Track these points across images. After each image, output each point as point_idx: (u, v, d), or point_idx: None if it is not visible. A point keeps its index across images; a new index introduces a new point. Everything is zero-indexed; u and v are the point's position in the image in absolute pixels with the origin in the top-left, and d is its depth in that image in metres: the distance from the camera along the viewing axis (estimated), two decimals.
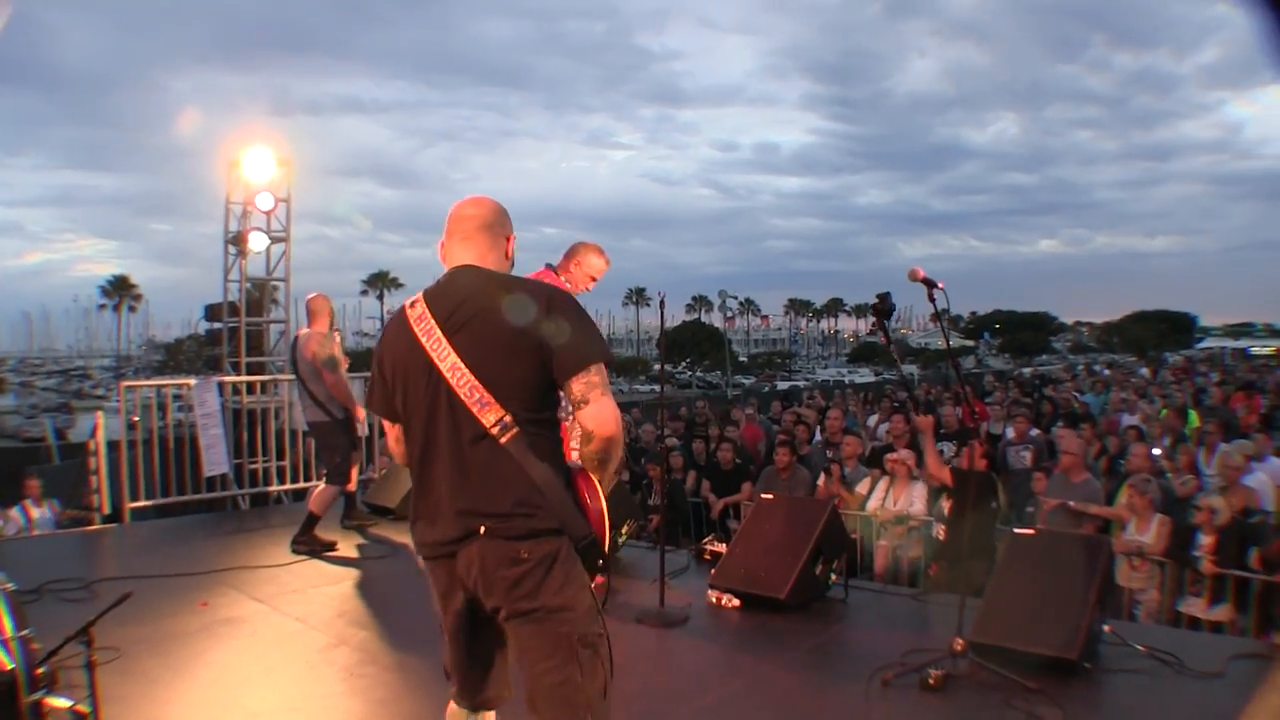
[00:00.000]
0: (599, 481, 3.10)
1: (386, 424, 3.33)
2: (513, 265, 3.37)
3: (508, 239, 3.33)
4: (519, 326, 2.95)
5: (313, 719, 4.87)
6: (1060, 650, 5.06)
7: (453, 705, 3.30)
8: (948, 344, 6.32)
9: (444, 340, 2.99)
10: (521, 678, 3.06)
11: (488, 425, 2.93)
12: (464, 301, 3.03)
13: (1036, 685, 4.85)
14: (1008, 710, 4.71)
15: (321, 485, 8.70)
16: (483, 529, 2.94)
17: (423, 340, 3.02)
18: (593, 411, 2.98)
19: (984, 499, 7.70)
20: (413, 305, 3.13)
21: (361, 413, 8.85)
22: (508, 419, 2.93)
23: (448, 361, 2.97)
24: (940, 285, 5.15)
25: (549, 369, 2.99)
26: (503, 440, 2.92)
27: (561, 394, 3.10)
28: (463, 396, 2.95)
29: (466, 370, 2.95)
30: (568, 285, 5.40)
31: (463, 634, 3.15)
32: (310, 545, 8.42)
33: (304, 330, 8.81)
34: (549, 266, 6.00)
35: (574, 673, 2.97)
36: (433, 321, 3.02)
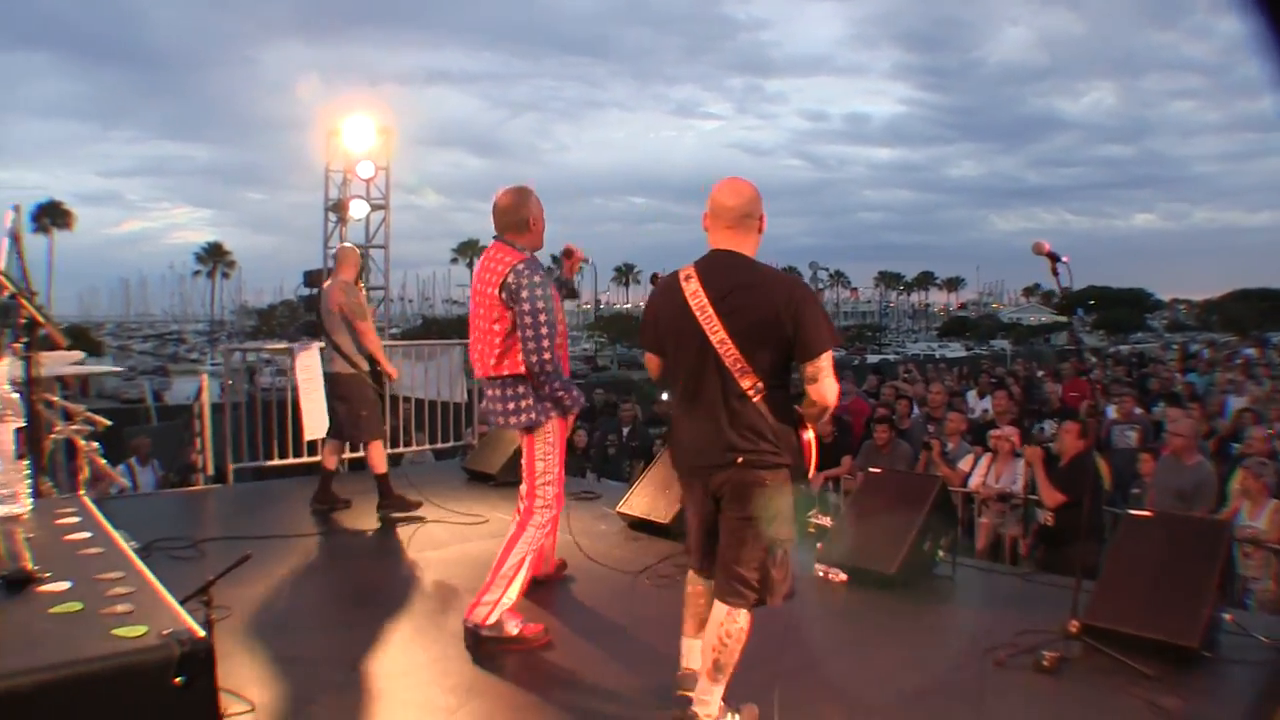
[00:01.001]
0: (811, 426, 4.10)
1: (650, 355, 4.32)
2: (761, 237, 4.13)
3: (760, 218, 4.11)
4: (772, 318, 3.84)
5: (424, 682, 4.87)
6: (1179, 637, 4.92)
7: (691, 573, 4.47)
8: (1074, 331, 6.24)
9: (716, 318, 3.88)
10: (731, 559, 4.09)
11: (745, 388, 3.89)
12: (734, 289, 3.90)
13: (1154, 671, 4.73)
14: (1125, 696, 4.60)
15: (371, 448, 8.51)
16: (740, 460, 3.93)
17: (695, 312, 3.92)
18: (818, 387, 3.94)
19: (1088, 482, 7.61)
20: (687, 279, 3.99)
21: (392, 369, 8.66)
22: (759, 384, 3.89)
23: (718, 335, 3.87)
24: (1065, 259, 5.07)
25: (791, 351, 3.90)
26: (754, 399, 3.90)
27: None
28: (728, 364, 3.88)
29: (733, 346, 3.86)
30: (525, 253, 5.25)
31: (705, 527, 4.24)
32: (397, 507, 8.37)
33: (328, 281, 8.65)
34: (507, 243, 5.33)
35: (769, 563, 4.08)
36: (705, 299, 3.90)
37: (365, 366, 8.37)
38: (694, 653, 4.39)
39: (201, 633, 2.11)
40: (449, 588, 6.44)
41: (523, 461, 5.50)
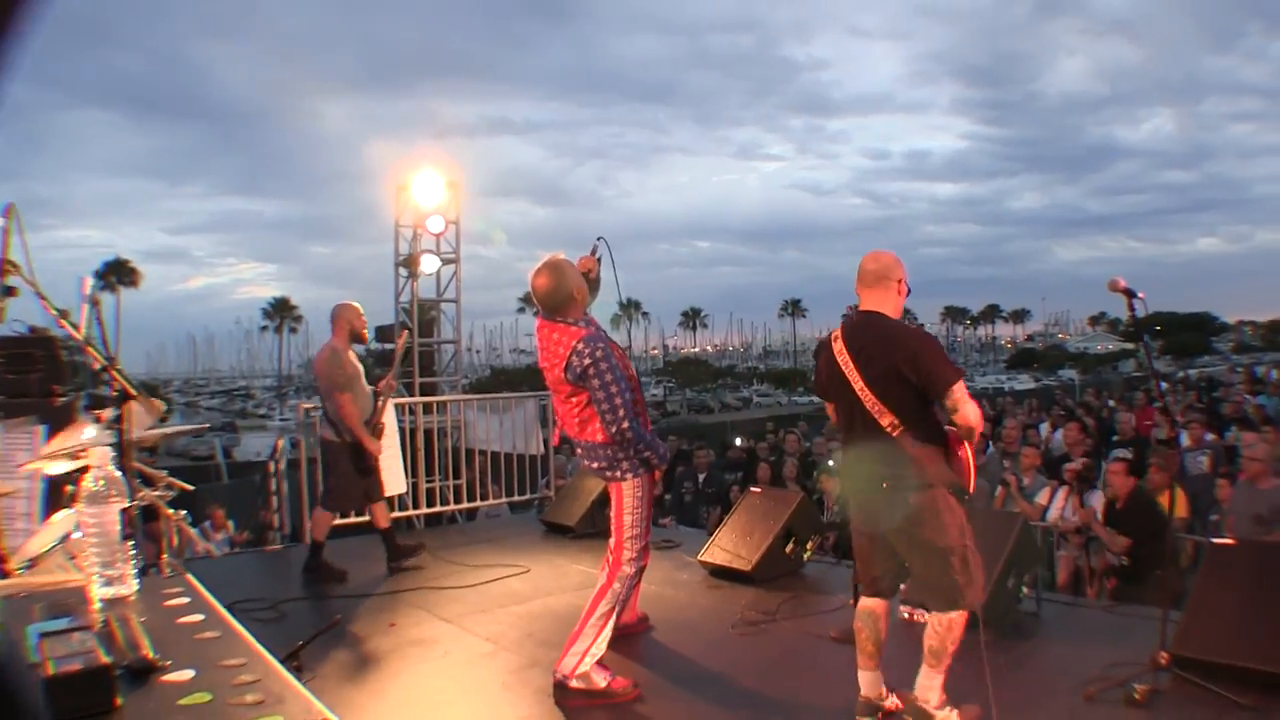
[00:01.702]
0: (969, 443, 4.68)
1: (826, 401, 5.06)
2: (904, 297, 4.85)
3: (899, 281, 4.79)
4: (897, 367, 4.50)
5: None
6: (1274, 664, 4.87)
7: (862, 600, 4.99)
8: (1150, 355, 6.29)
9: (855, 370, 4.61)
10: (916, 574, 4.86)
11: (885, 425, 4.55)
12: (866, 345, 4.64)
13: (1249, 701, 4.69)
14: None
15: (317, 515, 8.40)
16: (885, 484, 4.61)
17: (842, 366, 4.67)
18: (960, 416, 4.50)
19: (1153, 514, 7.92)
20: (835, 339, 4.78)
21: (372, 445, 8.09)
22: (896, 421, 4.54)
23: (858, 385, 4.59)
24: (1141, 295, 5.15)
25: (922, 390, 4.53)
26: (894, 434, 4.55)
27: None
28: (868, 407, 4.58)
29: (870, 392, 4.56)
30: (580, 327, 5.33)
31: (874, 546, 4.87)
32: (319, 573, 8.13)
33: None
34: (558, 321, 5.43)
35: (947, 571, 4.59)
36: (847, 356, 4.66)
37: (347, 437, 8.04)
38: (868, 684, 4.95)
39: None
40: (533, 642, 6.45)
41: (611, 515, 5.64)
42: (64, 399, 6.97)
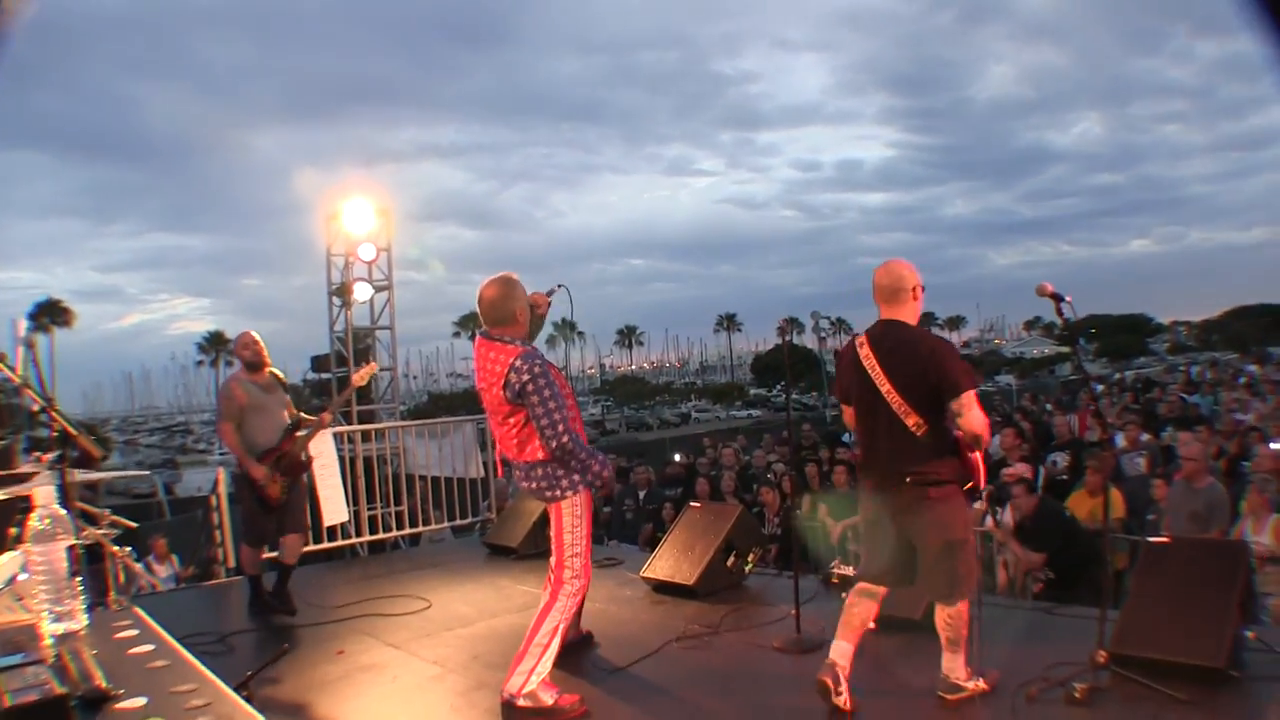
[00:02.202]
0: (972, 447, 5.02)
1: (844, 405, 5.43)
2: (920, 302, 5.24)
3: (914, 289, 5.17)
4: (920, 370, 4.87)
5: None
6: (1206, 658, 4.97)
7: (859, 585, 5.35)
8: (1077, 357, 6.40)
9: (882, 374, 4.95)
10: (924, 567, 5.10)
11: (910, 425, 4.89)
12: (892, 350, 4.99)
13: (1186, 695, 4.77)
14: None
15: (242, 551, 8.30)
16: (908, 479, 4.92)
17: (868, 370, 5.00)
18: (966, 420, 4.84)
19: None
20: (860, 344, 5.11)
21: (256, 470, 7.70)
22: (920, 421, 4.88)
23: (885, 387, 4.93)
24: (1068, 298, 5.21)
25: (940, 394, 4.86)
26: (918, 434, 4.89)
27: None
28: (895, 408, 4.91)
29: (896, 394, 4.90)
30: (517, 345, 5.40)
31: (886, 543, 5.18)
32: (262, 606, 8.03)
33: None
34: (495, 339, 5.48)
35: (955, 563, 5.00)
36: (874, 360, 4.99)
37: (252, 468, 7.71)
38: (840, 652, 5.24)
39: None
40: (480, 664, 6.46)
41: (550, 534, 5.65)
42: (2, 442, 6.94)
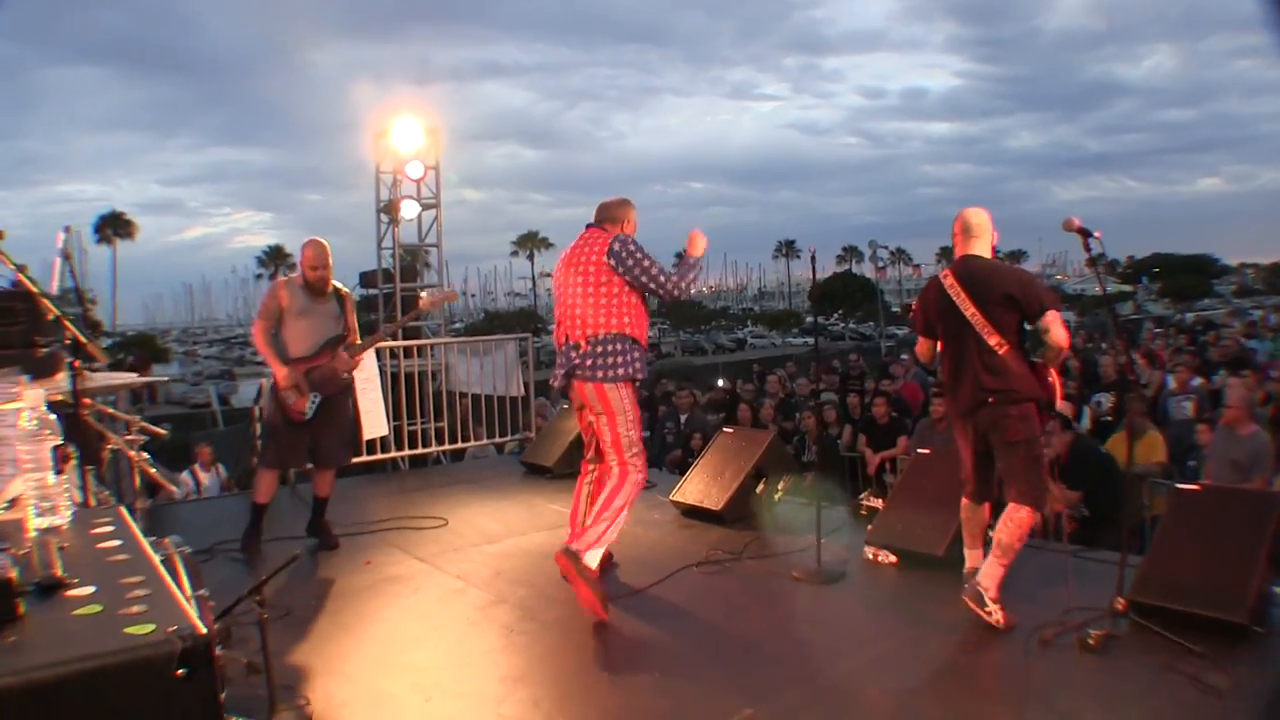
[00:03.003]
0: (1053, 368, 5.38)
1: (922, 338, 5.82)
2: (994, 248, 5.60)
3: (991, 233, 5.55)
4: (1003, 293, 5.21)
5: (474, 674, 4.96)
6: (1228, 612, 4.88)
7: (966, 500, 5.77)
8: (1104, 292, 6.29)
9: (967, 299, 5.29)
10: (1007, 476, 5.43)
11: (993, 345, 5.24)
12: (975, 276, 5.34)
13: (1202, 648, 4.69)
14: (1170, 674, 4.57)
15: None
16: (991, 400, 5.27)
17: (954, 297, 5.35)
18: (1051, 336, 5.16)
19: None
20: (945, 276, 5.48)
21: (280, 372, 7.09)
22: (1003, 341, 5.22)
23: (969, 310, 5.28)
24: (1097, 234, 5.17)
25: (1022, 315, 5.24)
26: (1000, 352, 5.23)
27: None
28: (979, 329, 5.25)
29: (980, 315, 5.24)
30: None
31: (976, 460, 5.60)
32: (253, 533, 7.43)
33: None
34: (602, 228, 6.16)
35: (1035, 470, 5.36)
36: (960, 288, 5.34)
37: (276, 367, 7.17)
38: (973, 558, 5.76)
39: (203, 629, 2.35)
40: (502, 580, 6.53)
41: (604, 443, 6.01)
42: (46, 350, 7.04)
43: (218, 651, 3.40)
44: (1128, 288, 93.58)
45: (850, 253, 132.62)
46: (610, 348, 5.82)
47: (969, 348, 5.36)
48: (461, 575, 6.66)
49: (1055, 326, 5.17)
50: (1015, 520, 5.29)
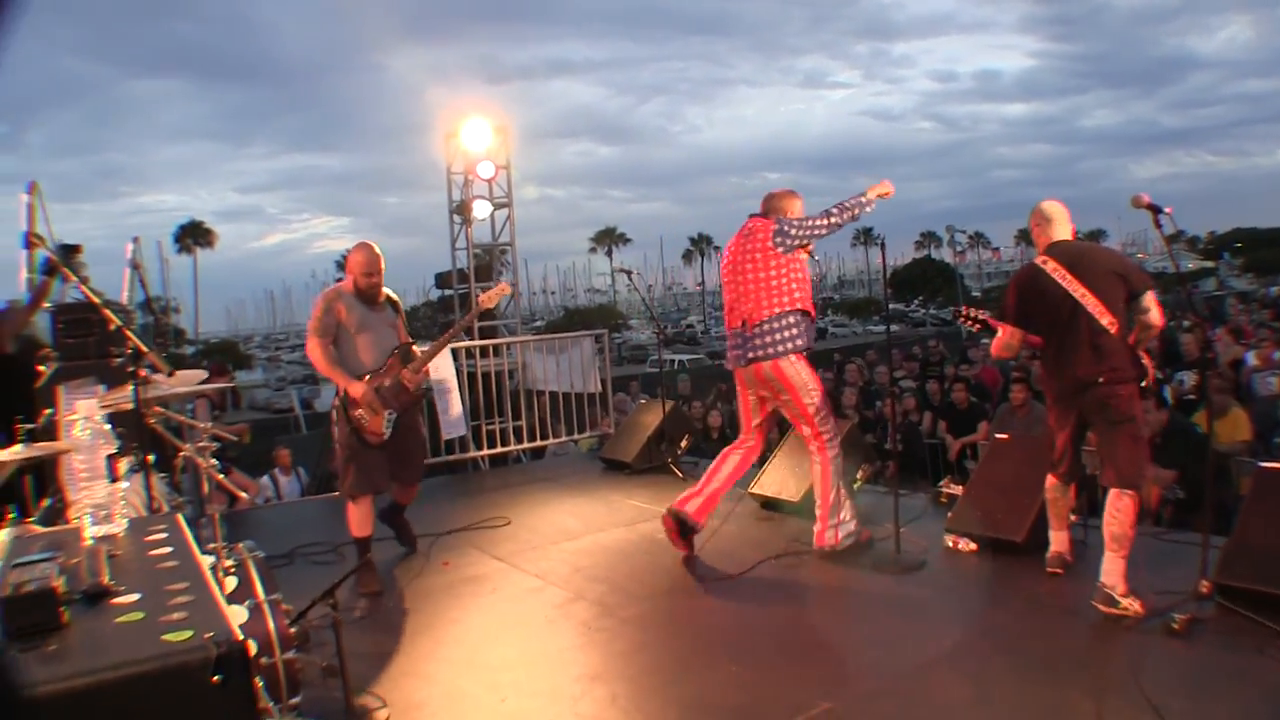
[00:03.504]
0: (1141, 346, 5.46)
1: (1009, 327, 5.68)
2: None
3: (1069, 223, 5.62)
4: (1108, 271, 5.34)
5: (551, 672, 4.98)
6: None
7: (1053, 480, 5.85)
8: (1177, 269, 6.22)
9: (1075, 281, 5.31)
10: (1109, 456, 5.38)
11: (1106, 324, 5.24)
12: (1079, 259, 5.40)
13: None
14: (1259, 657, 4.48)
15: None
16: (1102, 379, 5.28)
17: (1060, 281, 5.36)
18: (1151, 314, 5.31)
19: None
20: (1044, 262, 5.48)
21: (356, 389, 6.58)
22: (1113, 321, 5.25)
23: (1078, 291, 5.29)
24: (1168, 210, 5.11)
25: (1127, 293, 5.29)
26: (1112, 332, 5.23)
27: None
28: (1090, 309, 5.26)
29: (1093, 296, 5.26)
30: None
31: (1073, 443, 5.67)
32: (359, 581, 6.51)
33: None
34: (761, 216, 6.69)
35: (1138, 450, 5.40)
36: (1065, 271, 5.36)
37: (351, 385, 6.65)
38: (1059, 541, 5.95)
39: (240, 635, 2.39)
40: (581, 577, 6.55)
41: (796, 421, 6.67)
42: (120, 360, 7.19)
43: (293, 655, 3.47)
44: (1209, 264, 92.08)
45: (928, 238, 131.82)
46: (779, 323, 6.35)
47: (1078, 329, 5.32)
48: (540, 574, 6.69)
49: (1154, 306, 5.30)
50: (1120, 508, 5.23)
